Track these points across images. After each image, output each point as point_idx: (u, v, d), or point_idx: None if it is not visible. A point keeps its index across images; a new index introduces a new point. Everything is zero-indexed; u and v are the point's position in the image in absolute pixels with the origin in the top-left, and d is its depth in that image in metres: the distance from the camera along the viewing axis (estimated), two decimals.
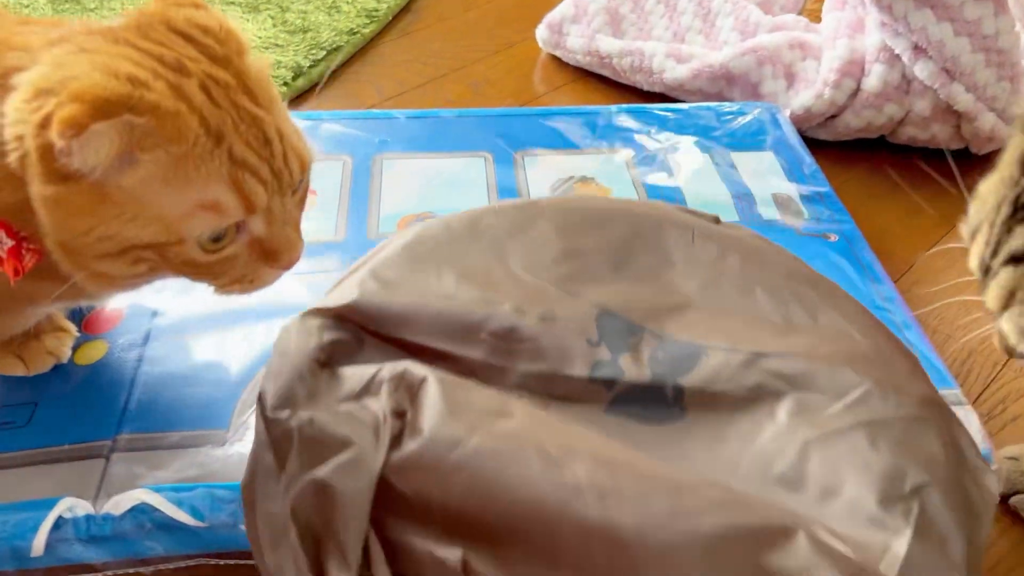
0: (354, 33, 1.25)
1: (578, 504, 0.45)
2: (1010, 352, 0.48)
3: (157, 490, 0.59)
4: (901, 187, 1.02)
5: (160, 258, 0.51)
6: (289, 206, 0.54)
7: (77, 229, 0.48)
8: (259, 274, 0.55)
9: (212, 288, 0.56)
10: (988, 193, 0.42)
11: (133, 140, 0.46)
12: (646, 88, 1.13)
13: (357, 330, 0.58)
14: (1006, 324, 0.40)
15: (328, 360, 0.55)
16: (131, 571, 0.60)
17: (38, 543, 0.57)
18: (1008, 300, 0.40)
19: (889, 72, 1.00)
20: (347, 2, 1.33)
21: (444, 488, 0.46)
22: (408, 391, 0.51)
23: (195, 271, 0.53)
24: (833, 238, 0.80)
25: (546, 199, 0.70)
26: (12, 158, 0.47)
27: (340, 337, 0.56)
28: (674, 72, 1.09)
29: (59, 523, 0.57)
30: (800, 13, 1.22)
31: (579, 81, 1.19)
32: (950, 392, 0.66)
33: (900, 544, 0.46)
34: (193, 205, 0.49)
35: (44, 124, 0.45)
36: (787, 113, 1.02)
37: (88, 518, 0.58)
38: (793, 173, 0.89)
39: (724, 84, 1.08)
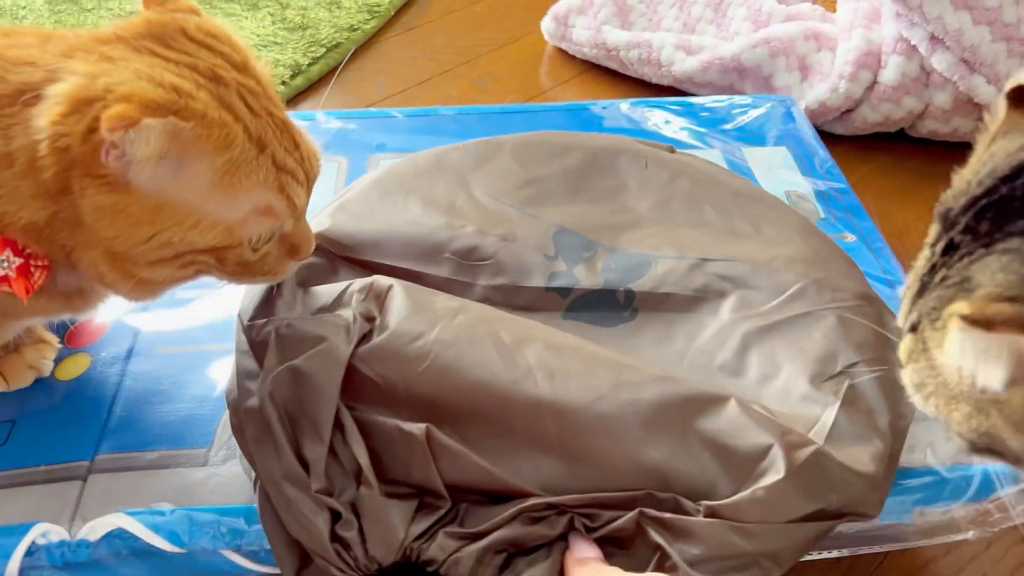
0: (355, 29, 1.22)
1: (528, 383, 0.52)
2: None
3: (133, 515, 0.56)
4: (923, 183, 0.97)
5: (217, 260, 0.52)
6: (307, 202, 0.55)
7: (136, 238, 0.48)
8: (283, 267, 0.56)
9: (229, 282, 0.56)
10: (917, 266, 0.47)
11: (181, 144, 0.46)
12: (655, 81, 1.09)
13: (330, 256, 0.65)
14: (906, 378, 0.46)
15: (303, 281, 0.61)
16: None
17: (11, 570, 0.55)
18: (907, 359, 0.45)
19: (907, 64, 0.96)
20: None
21: (408, 373, 0.53)
22: (376, 299, 0.57)
23: (243, 270, 0.54)
24: (850, 238, 0.76)
25: (509, 135, 0.76)
26: (49, 173, 0.46)
27: (314, 262, 0.62)
28: (683, 64, 1.05)
29: (32, 549, 0.55)
30: (815, 1, 1.18)
31: (586, 74, 1.15)
32: None
33: (829, 415, 0.53)
34: (249, 210, 0.50)
35: (92, 128, 0.44)
36: (802, 106, 0.98)
37: (62, 544, 0.55)
38: (808, 169, 0.85)
39: (736, 77, 1.03)
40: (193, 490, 0.58)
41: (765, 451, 0.50)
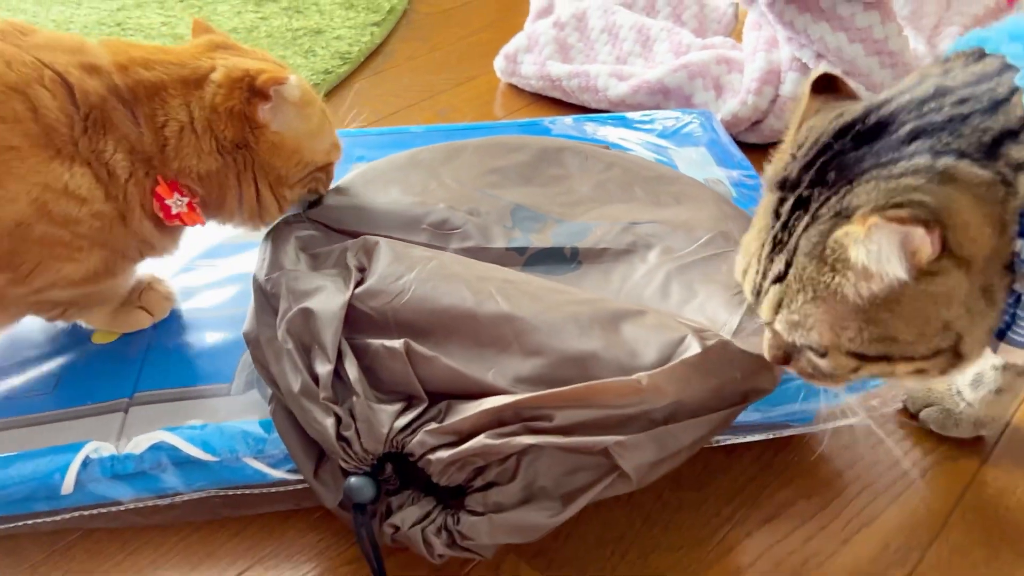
0: (329, 72, 1.38)
1: (490, 303, 0.66)
2: (781, 358, 0.60)
3: (172, 430, 0.67)
4: None
5: (324, 174, 0.78)
6: None
7: (292, 162, 0.73)
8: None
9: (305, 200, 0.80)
10: (750, 242, 0.58)
11: (303, 94, 0.71)
12: (593, 106, 1.25)
13: (324, 227, 0.79)
14: (779, 325, 0.56)
15: (304, 247, 0.75)
16: (150, 504, 0.68)
17: (68, 481, 0.66)
18: (777, 308, 0.55)
19: (802, 79, 1.14)
20: (321, 47, 1.46)
21: (394, 304, 0.66)
22: (366, 252, 0.71)
23: (325, 183, 0.79)
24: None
25: (471, 139, 0.92)
26: (228, 133, 0.69)
27: (311, 232, 0.77)
28: (616, 89, 1.22)
29: (86, 463, 0.66)
30: (729, 35, 1.36)
31: (534, 104, 1.32)
32: None
33: (735, 319, 0.68)
34: (331, 143, 0.77)
35: (250, 94, 0.68)
36: (718, 118, 1.15)
37: (112, 458, 0.66)
38: (723, 162, 1.01)
39: (661, 97, 1.20)
40: (219, 412, 0.69)
41: (681, 339, 0.63)
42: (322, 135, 0.75)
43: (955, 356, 0.54)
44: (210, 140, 0.69)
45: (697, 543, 0.69)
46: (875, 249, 0.47)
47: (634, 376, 0.60)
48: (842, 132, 0.55)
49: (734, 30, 1.39)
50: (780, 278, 0.54)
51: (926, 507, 0.72)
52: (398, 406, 0.62)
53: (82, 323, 0.78)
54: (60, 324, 0.77)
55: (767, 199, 0.57)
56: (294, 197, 0.76)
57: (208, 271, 0.85)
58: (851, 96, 0.60)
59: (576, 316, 0.65)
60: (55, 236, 0.65)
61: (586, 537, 0.69)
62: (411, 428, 0.60)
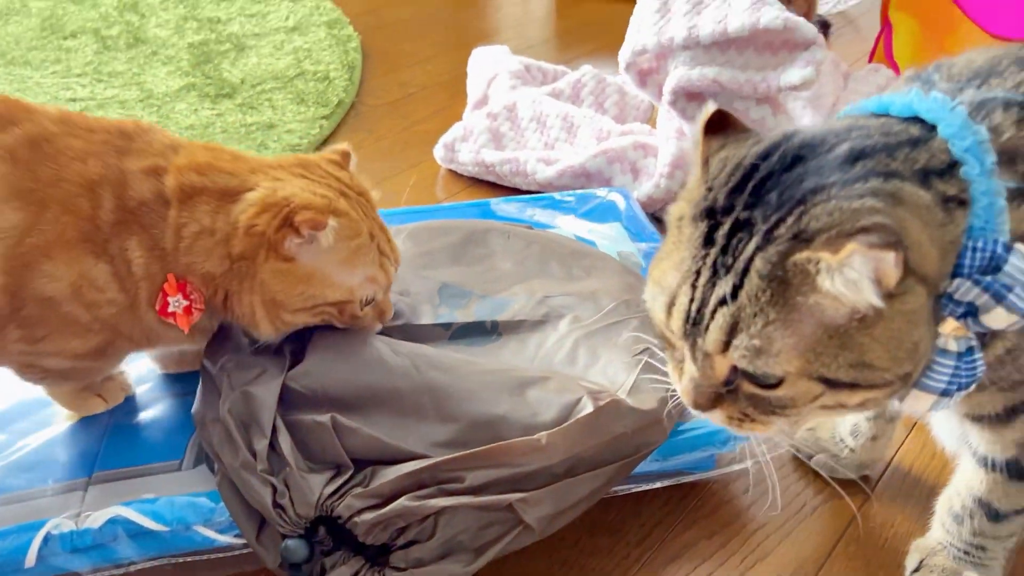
0: None
1: (411, 374, 0.75)
2: (706, 404, 0.56)
3: (127, 504, 0.74)
4: None
5: (337, 311, 0.76)
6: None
7: (292, 292, 0.73)
8: (375, 324, 0.81)
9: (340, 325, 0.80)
10: (666, 276, 0.55)
11: (336, 232, 0.71)
12: (524, 188, 1.36)
13: None
14: (736, 353, 0.51)
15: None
16: (107, 574, 0.74)
17: (30, 556, 0.72)
18: (731, 333, 0.51)
19: None
20: (273, 140, 1.56)
21: (323, 383, 0.74)
22: (299, 338, 0.79)
23: (351, 321, 0.78)
24: None
25: (407, 224, 1.02)
26: (239, 247, 0.71)
27: None
28: (544, 173, 1.33)
29: (47, 539, 0.72)
30: (647, 122, 1.49)
31: (471, 188, 1.43)
32: None
33: (631, 379, 0.76)
34: (362, 277, 0.76)
35: (284, 225, 0.70)
36: (635, 196, 1.26)
37: (72, 533, 0.73)
38: (636, 236, 1.12)
39: (584, 180, 1.32)
40: (171, 486, 0.76)
41: (578, 400, 0.72)
42: (344, 273, 0.75)
43: (904, 383, 0.54)
44: (222, 247, 0.72)
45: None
46: (853, 277, 0.47)
47: (536, 436, 0.69)
48: (766, 155, 0.54)
49: (651, 117, 1.52)
50: (725, 301, 0.51)
51: (813, 542, 0.80)
52: (328, 474, 0.70)
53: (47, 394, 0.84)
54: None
55: (687, 232, 0.55)
56: (296, 322, 0.76)
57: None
58: (745, 130, 0.59)
59: (486, 384, 0.74)
60: (76, 315, 0.73)
61: None
62: (339, 493, 0.68)
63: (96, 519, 0.73)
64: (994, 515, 0.71)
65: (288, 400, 0.74)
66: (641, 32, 1.26)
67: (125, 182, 0.73)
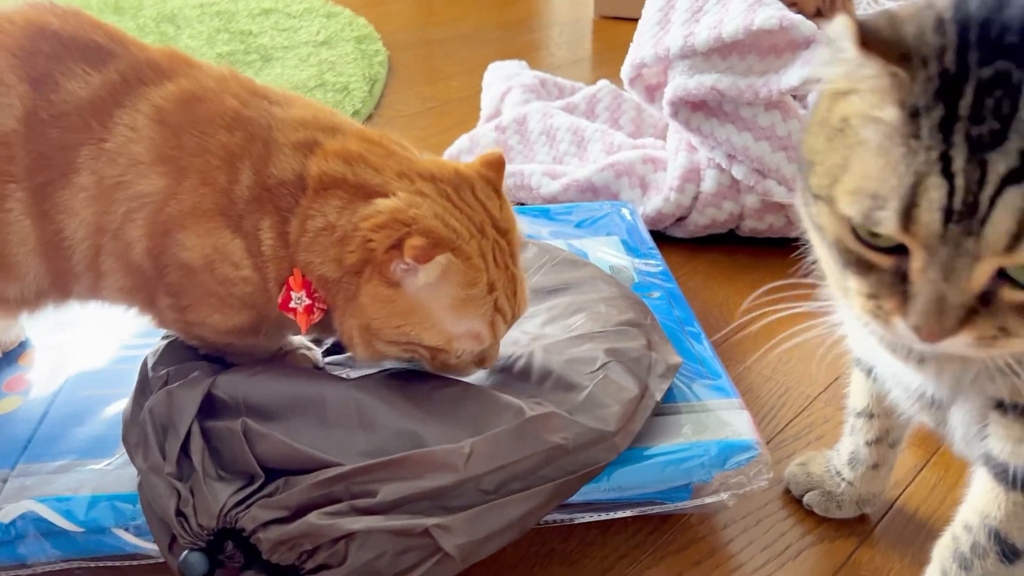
0: None
1: (337, 383, 0.70)
2: (954, 324, 0.44)
3: (42, 500, 0.69)
4: (743, 268, 1.17)
5: (430, 356, 0.70)
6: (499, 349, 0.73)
7: (388, 323, 0.66)
8: (470, 370, 0.74)
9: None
10: (874, 181, 0.44)
11: (447, 274, 0.64)
12: (528, 202, 1.30)
13: None
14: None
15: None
16: (12, 574, 0.69)
17: None
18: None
19: (720, 175, 1.18)
20: None
21: (246, 390, 0.69)
22: None
23: (443, 366, 0.72)
24: (656, 295, 0.95)
25: None
26: (352, 258, 0.65)
27: None
28: (549, 187, 1.27)
29: None
30: (663, 138, 1.42)
31: None
32: (734, 400, 0.79)
33: (583, 394, 0.70)
34: (465, 330, 0.68)
35: (395, 245, 0.63)
36: (641, 212, 1.19)
37: None
38: (632, 251, 1.04)
39: (591, 195, 1.25)
40: (95, 484, 0.71)
41: (513, 411, 0.66)
42: (446, 319, 0.67)
43: None
44: (337, 250, 0.66)
45: None
46: None
47: (459, 444, 0.62)
48: (959, 6, 0.45)
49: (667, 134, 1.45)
50: (1016, 178, 0.40)
51: None
52: (237, 484, 0.64)
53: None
54: None
55: (891, 123, 0.43)
56: (388, 353, 0.70)
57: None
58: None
59: (417, 396, 0.69)
60: (212, 288, 0.70)
61: None
62: (245, 504, 0.62)
63: (8, 513, 0.68)
64: (1011, 553, 0.61)
65: (210, 407, 0.69)
66: (641, 45, 1.20)
67: (268, 157, 0.69)
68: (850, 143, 0.46)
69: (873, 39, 0.44)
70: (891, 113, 0.43)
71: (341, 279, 0.67)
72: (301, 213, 0.68)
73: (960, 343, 0.46)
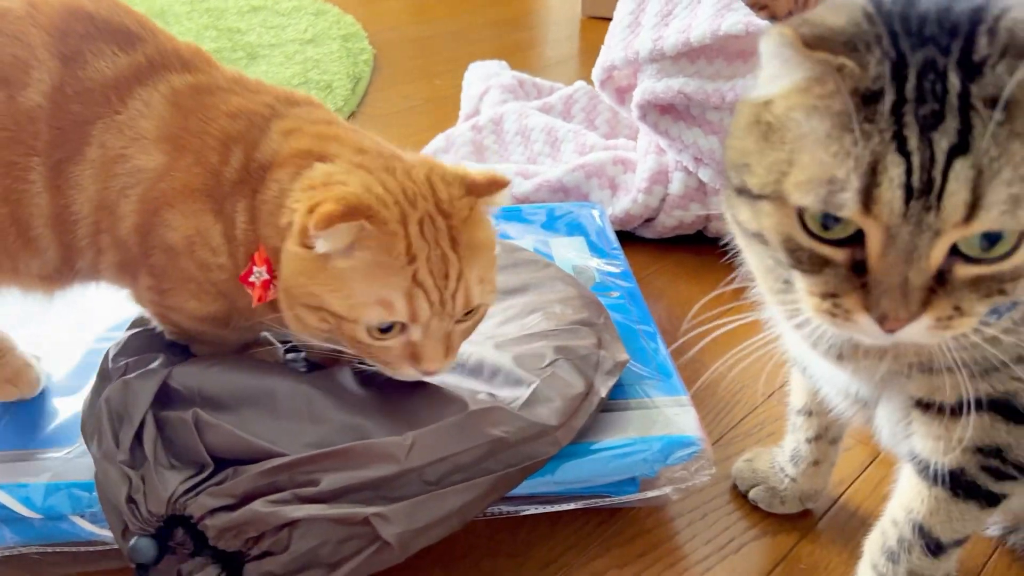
0: None
1: (288, 376, 0.72)
2: (916, 308, 0.45)
3: (2, 488, 0.71)
4: (709, 268, 1.18)
5: (337, 327, 0.67)
6: (449, 330, 0.69)
7: (297, 282, 0.66)
8: (401, 369, 0.69)
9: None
10: (829, 166, 0.45)
11: (358, 239, 0.63)
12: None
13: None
14: (995, 212, 0.43)
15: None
16: None
17: None
18: (978, 187, 0.43)
19: (688, 178, 1.20)
20: None
21: (200, 381, 0.71)
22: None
23: (360, 348, 0.68)
24: (615, 295, 0.97)
25: None
26: (284, 220, 0.67)
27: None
28: (521, 187, 1.29)
29: None
30: (635, 139, 1.44)
31: None
32: (682, 398, 0.81)
33: (530, 390, 0.71)
34: (374, 299, 0.65)
35: (311, 210, 0.63)
36: (610, 212, 1.21)
37: None
38: (597, 252, 1.06)
39: (562, 195, 1.27)
40: (55, 472, 0.73)
41: (457, 406, 0.68)
42: (353, 285, 0.65)
43: None
44: (277, 216, 0.67)
45: None
46: None
47: (402, 436, 0.64)
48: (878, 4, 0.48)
49: None
50: (961, 149, 0.42)
51: None
52: (188, 473, 0.66)
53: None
54: None
55: (837, 111, 0.45)
56: (309, 322, 0.68)
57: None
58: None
59: (365, 391, 0.71)
60: (191, 274, 0.72)
61: None
62: (194, 492, 0.64)
63: None
64: (934, 547, 0.64)
65: (166, 397, 0.71)
66: (611, 48, 1.22)
67: (258, 143, 0.71)
68: (793, 137, 0.47)
69: (814, 39, 0.46)
70: (843, 101, 0.44)
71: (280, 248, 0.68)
72: (263, 187, 0.70)
73: (920, 328, 0.47)
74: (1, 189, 0.70)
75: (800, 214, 0.47)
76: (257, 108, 0.73)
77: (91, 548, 0.72)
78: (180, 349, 0.78)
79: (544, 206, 1.19)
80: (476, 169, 0.73)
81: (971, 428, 0.59)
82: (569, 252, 1.06)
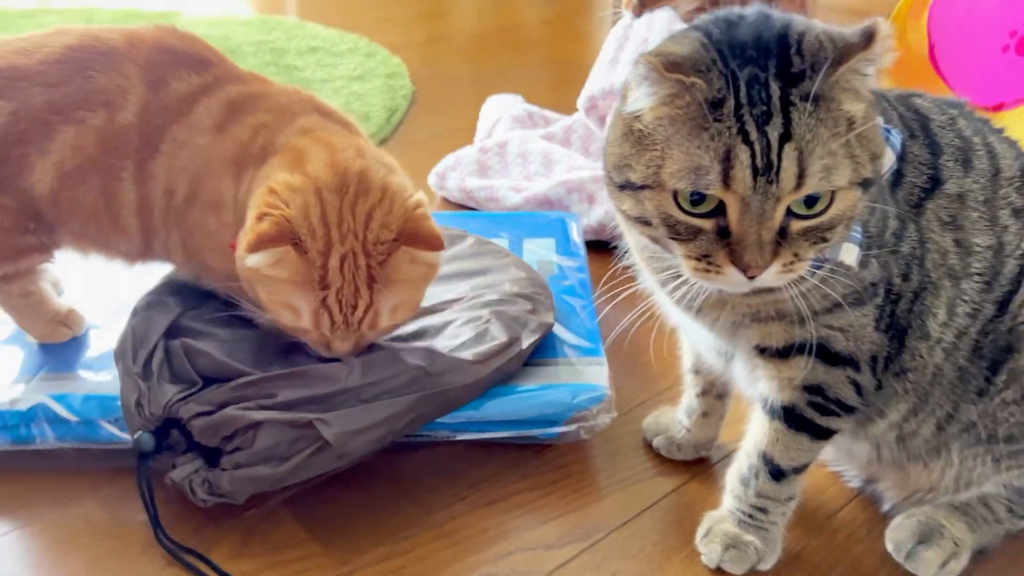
0: None
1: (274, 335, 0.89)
2: (768, 257, 0.60)
3: (50, 396, 0.91)
4: None
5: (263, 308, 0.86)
6: (356, 337, 0.86)
7: (241, 264, 0.83)
8: (317, 350, 0.88)
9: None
10: (695, 156, 0.59)
11: (279, 260, 0.80)
12: (495, 211, 1.50)
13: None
14: (813, 180, 0.59)
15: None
16: (21, 448, 0.90)
17: None
18: (803, 163, 0.58)
19: None
20: None
21: (204, 325, 0.90)
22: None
23: (294, 334, 0.88)
24: (567, 283, 1.13)
25: None
26: (253, 212, 0.81)
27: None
28: (512, 199, 1.47)
29: None
30: None
31: (455, 210, 1.58)
32: (599, 359, 0.97)
33: (461, 340, 0.90)
34: (286, 304, 0.83)
35: (258, 218, 0.80)
36: (585, 223, 1.38)
37: (3, 412, 0.90)
38: (562, 251, 1.23)
39: (546, 207, 1.44)
40: (91, 388, 0.93)
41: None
42: (273, 289, 0.82)
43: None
44: (253, 202, 0.84)
45: (429, 512, 0.87)
46: (855, 84, 0.59)
47: (345, 364, 0.82)
48: (707, 33, 0.63)
49: None
50: (787, 137, 0.58)
51: (623, 505, 0.88)
52: (182, 387, 0.85)
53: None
54: None
55: (695, 116, 0.59)
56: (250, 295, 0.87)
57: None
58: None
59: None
60: (212, 231, 0.90)
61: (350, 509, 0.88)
62: (184, 400, 0.83)
63: (26, 402, 0.90)
64: (776, 472, 0.78)
65: (177, 330, 0.91)
66: (595, 80, 1.40)
67: (280, 131, 0.88)
68: (662, 139, 0.61)
69: (671, 64, 0.61)
70: (697, 109, 0.60)
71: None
72: (265, 165, 0.86)
73: (771, 273, 0.62)
74: (101, 186, 0.92)
75: (675, 196, 0.62)
76: (291, 106, 0.92)
77: (112, 446, 0.91)
78: (195, 296, 0.97)
79: (529, 214, 1.37)
80: (424, 218, 0.85)
81: (795, 368, 0.74)
82: (539, 249, 1.24)
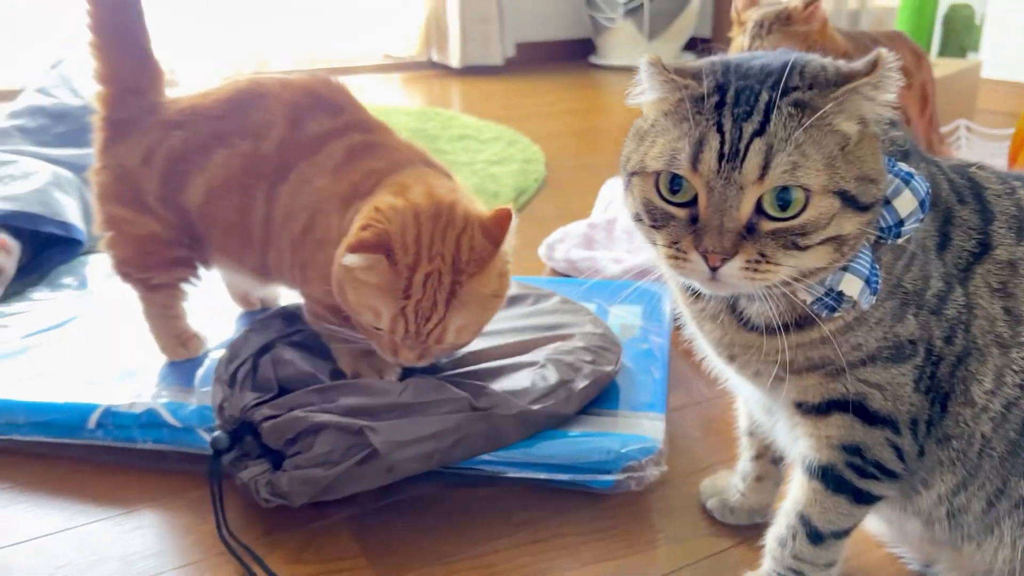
0: None
1: None
2: (730, 248, 0.61)
3: (165, 404, 1.03)
4: None
5: (351, 313, 0.96)
6: (423, 346, 0.94)
7: (336, 271, 0.94)
8: (385, 355, 0.96)
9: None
10: (676, 142, 0.63)
11: (370, 267, 0.90)
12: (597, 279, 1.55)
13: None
14: (778, 170, 0.60)
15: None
16: (127, 445, 1.02)
17: (91, 422, 1.03)
18: (768, 156, 0.61)
19: None
20: None
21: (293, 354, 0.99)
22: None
23: (361, 328, 0.97)
24: (646, 346, 1.16)
25: None
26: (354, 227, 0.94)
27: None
28: (612, 270, 1.51)
29: (105, 413, 1.03)
30: None
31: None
32: (658, 414, 0.99)
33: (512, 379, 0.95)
34: (370, 307, 0.92)
35: (362, 227, 0.91)
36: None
37: (118, 413, 1.03)
38: (649, 317, 1.26)
39: (645, 278, 1.47)
40: (197, 400, 1.04)
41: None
42: (362, 291, 0.92)
43: (875, 215, 0.65)
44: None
45: (473, 544, 0.90)
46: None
47: (402, 383, 0.89)
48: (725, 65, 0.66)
49: None
50: (758, 133, 0.61)
51: (663, 559, 0.87)
52: (259, 394, 0.94)
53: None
54: None
55: (684, 113, 0.64)
56: (340, 301, 0.96)
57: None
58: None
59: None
60: (320, 263, 0.99)
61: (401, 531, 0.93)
62: (259, 406, 0.92)
63: (137, 406, 1.03)
64: (814, 535, 0.76)
65: (268, 348, 1.02)
66: None
67: (389, 174, 0.99)
68: (655, 132, 0.66)
69: (673, 68, 0.66)
70: (685, 106, 0.64)
71: None
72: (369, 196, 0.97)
73: (735, 267, 0.62)
74: (239, 204, 1.07)
75: (656, 182, 0.66)
76: (403, 157, 1.03)
77: (203, 451, 1.01)
78: (300, 321, 1.09)
79: (622, 283, 1.41)
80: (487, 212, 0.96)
81: (833, 427, 0.73)
82: (625, 315, 1.27)
